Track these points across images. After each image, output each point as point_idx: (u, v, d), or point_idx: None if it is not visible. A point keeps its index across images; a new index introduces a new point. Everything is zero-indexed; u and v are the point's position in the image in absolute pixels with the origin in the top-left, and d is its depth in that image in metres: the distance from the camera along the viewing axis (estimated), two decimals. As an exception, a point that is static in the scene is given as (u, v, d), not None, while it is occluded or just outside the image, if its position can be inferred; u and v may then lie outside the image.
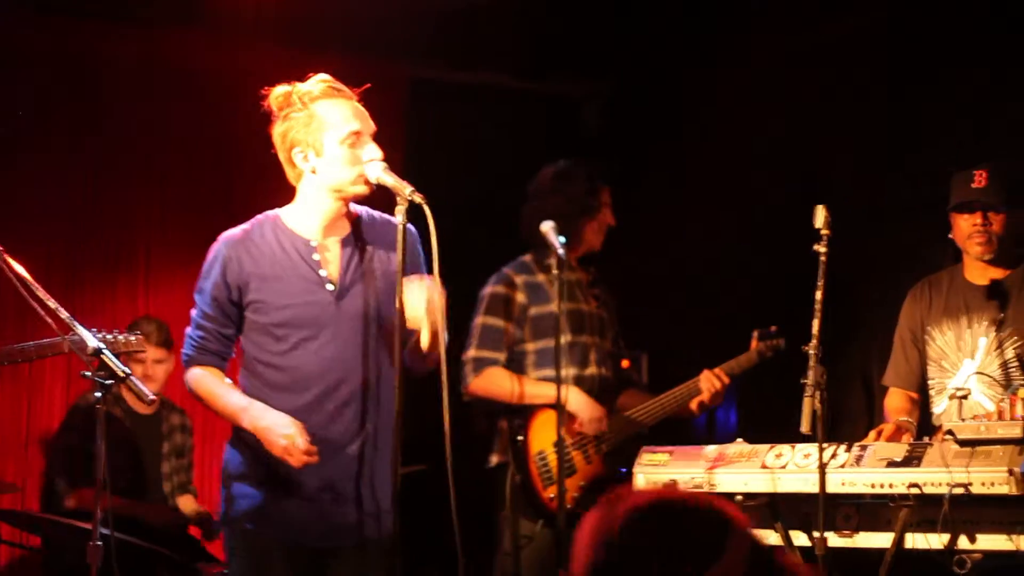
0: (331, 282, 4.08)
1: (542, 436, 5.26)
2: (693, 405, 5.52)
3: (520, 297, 5.42)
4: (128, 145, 7.11)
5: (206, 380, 4.11)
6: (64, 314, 3.89)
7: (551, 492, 5.14)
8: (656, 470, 4.61)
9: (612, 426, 5.40)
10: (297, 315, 4.05)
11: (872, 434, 4.77)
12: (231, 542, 4.12)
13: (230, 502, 4.10)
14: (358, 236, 4.15)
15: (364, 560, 4.05)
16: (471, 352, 5.41)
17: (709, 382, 5.46)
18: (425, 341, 3.90)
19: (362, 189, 4.04)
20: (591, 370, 5.48)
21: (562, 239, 5.13)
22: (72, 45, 6.96)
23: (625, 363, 5.84)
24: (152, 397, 3.86)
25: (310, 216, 4.11)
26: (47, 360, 6.70)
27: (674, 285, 7.28)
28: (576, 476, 5.29)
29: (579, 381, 5.39)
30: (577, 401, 5.30)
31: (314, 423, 3.98)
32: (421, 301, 3.86)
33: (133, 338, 4.62)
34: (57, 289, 3.93)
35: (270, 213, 4.17)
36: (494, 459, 5.40)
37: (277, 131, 4.08)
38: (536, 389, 5.33)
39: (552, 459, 5.18)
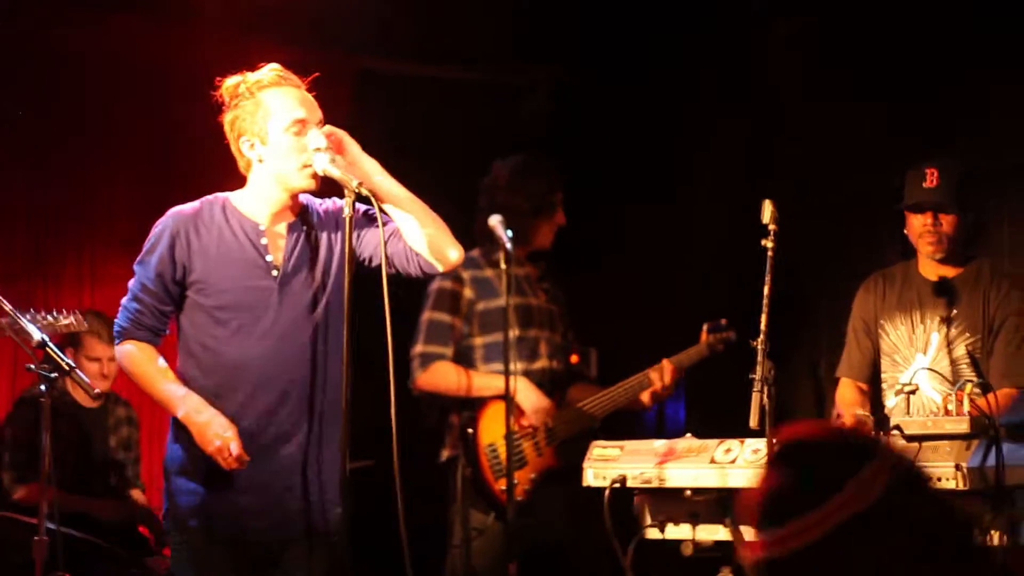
0: (276, 268, 4.05)
1: (492, 428, 5.26)
2: (644, 397, 5.55)
3: (467, 292, 5.43)
4: (78, 135, 7.04)
5: (141, 358, 4.05)
6: (7, 306, 3.86)
7: (502, 484, 5.14)
8: (606, 465, 4.61)
9: (562, 418, 5.42)
10: (240, 299, 4.02)
11: None
12: (175, 538, 4.07)
13: (172, 497, 4.05)
14: (306, 223, 4.13)
15: (312, 553, 4.02)
16: (418, 347, 5.40)
17: (659, 373, 5.48)
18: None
19: (308, 183, 4.01)
20: (541, 363, 5.49)
21: (509, 232, 5.14)
22: (20, 27, 6.89)
23: (574, 358, 5.85)
24: (97, 391, 3.83)
25: (259, 203, 4.09)
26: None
27: (623, 280, 7.28)
28: (527, 468, 5.30)
29: (528, 375, 5.40)
30: (524, 392, 5.31)
31: (255, 411, 3.97)
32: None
33: (72, 319, 4.57)
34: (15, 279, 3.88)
35: (220, 195, 4.14)
36: (445, 453, 5.40)
37: (226, 120, 4.07)
38: (484, 381, 5.34)
39: (503, 451, 5.19)
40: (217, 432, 3.86)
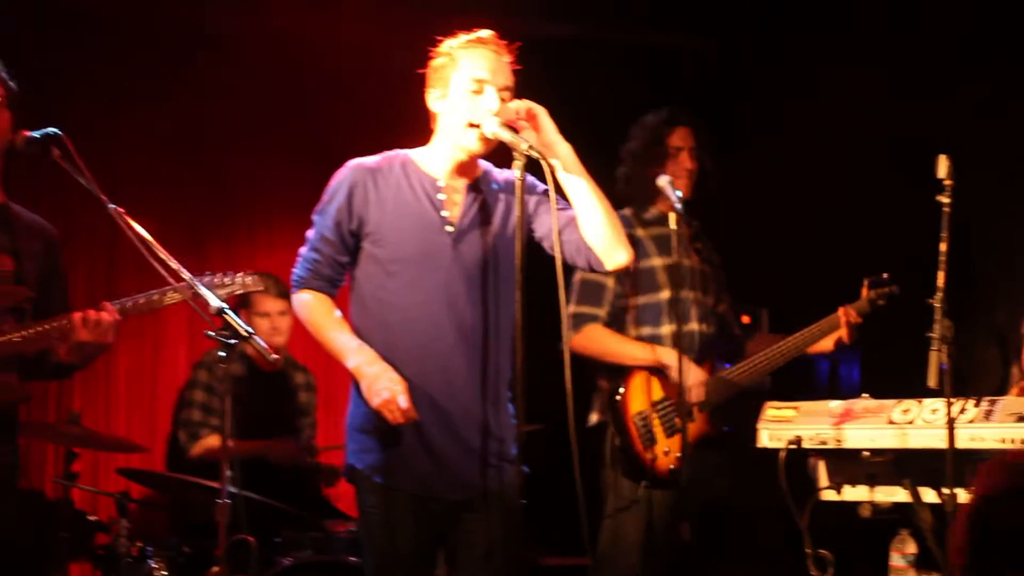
0: (451, 224, 4.08)
1: (640, 397, 5.18)
2: (829, 343, 5.40)
3: None
4: (245, 107, 7.17)
5: (318, 308, 4.10)
6: (186, 275, 3.93)
7: (652, 453, 5.09)
8: (781, 426, 4.56)
9: (714, 385, 5.30)
10: (413, 252, 4.04)
11: (1015, 389, 4.69)
12: (361, 496, 4.10)
13: (357, 456, 4.10)
14: (484, 187, 4.15)
15: (490, 513, 4.04)
16: (571, 307, 5.30)
17: (847, 316, 5.34)
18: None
19: (474, 144, 4.02)
20: (692, 326, 5.34)
21: (679, 193, 5.10)
22: (185, 12, 7.03)
23: (746, 318, 5.77)
24: (275, 356, 3.89)
25: (438, 158, 4.12)
26: (170, 321, 6.84)
27: (789, 240, 7.17)
28: (678, 436, 5.17)
29: (679, 338, 5.24)
30: (673, 365, 5.15)
31: (425, 366, 3.99)
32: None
33: (249, 279, 4.64)
34: (175, 251, 3.95)
35: (401, 151, 4.18)
36: (593, 417, 5.34)
37: (427, 75, 4.12)
38: (634, 350, 5.24)
39: (654, 420, 5.13)
40: (386, 385, 3.88)
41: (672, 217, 5.12)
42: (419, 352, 4.02)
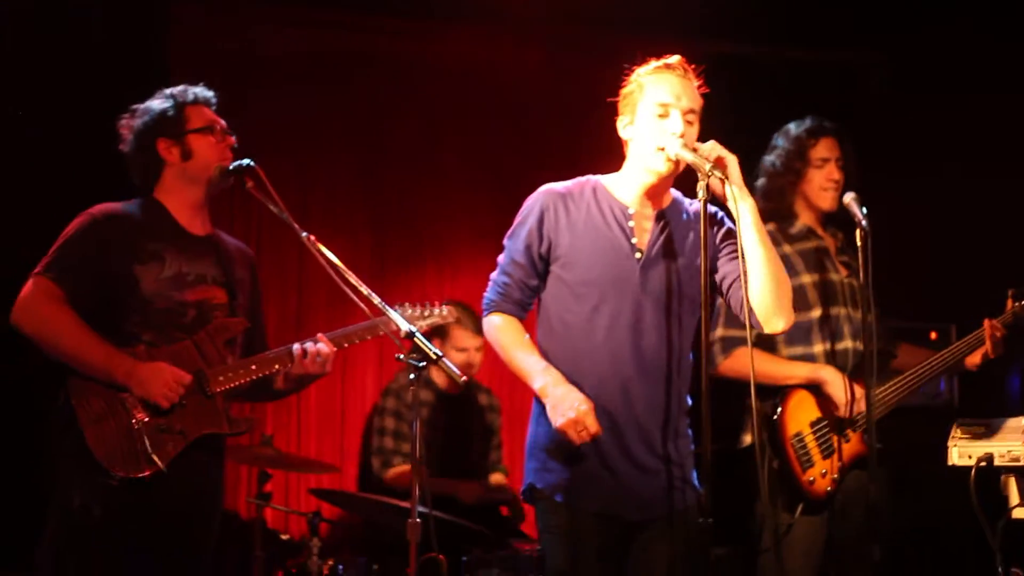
0: (640, 251, 4.11)
1: (798, 417, 5.05)
2: (977, 358, 5.27)
3: None
4: (428, 135, 7.27)
5: (506, 330, 4.17)
6: (377, 299, 4.01)
7: (810, 475, 4.98)
8: (971, 443, 4.48)
9: (870, 405, 5.14)
10: (601, 276, 4.09)
11: None
12: (543, 516, 4.15)
13: (538, 475, 4.14)
14: (673, 215, 4.17)
15: (671, 533, 4.06)
16: (719, 331, 5.18)
17: (992, 329, 5.19)
18: None
19: (662, 166, 4.05)
20: (845, 343, 5.18)
21: (864, 210, 4.99)
22: (367, 44, 7.16)
23: (933, 334, 5.64)
24: (464, 378, 3.94)
25: (629, 185, 4.16)
26: (358, 345, 6.93)
27: (973, 254, 7.03)
28: (833, 457, 5.05)
29: (832, 357, 5.14)
30: (833, 382, 5.05)
31: (610, 389, 4.03)
32: None
33: (447, 310, 4.73)
34: (363, 277, 4.05)
35: (592, 177, 4.23)
36: (747, 439, 5.25)
37: (617, 102, 4.18)
38: (789, 369, 5.11)
39: (810, 441, 5.02)
40: (572, 405, 3.92)
41: (858, 235, 4.99)
42: (601, 374, 4.06)
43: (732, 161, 3.99)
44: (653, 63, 4.14)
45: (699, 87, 4.13)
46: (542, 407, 4.10)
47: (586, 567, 4.06)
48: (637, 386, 4.06)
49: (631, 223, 4.13)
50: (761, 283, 3.99)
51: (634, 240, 4.12)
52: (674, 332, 4.07)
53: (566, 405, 3.93)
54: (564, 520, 4.09)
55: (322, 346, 4.33)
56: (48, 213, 4.55)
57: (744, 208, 3.94)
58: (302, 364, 4.30)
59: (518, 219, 4.21)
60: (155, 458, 4.06)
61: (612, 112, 4.20)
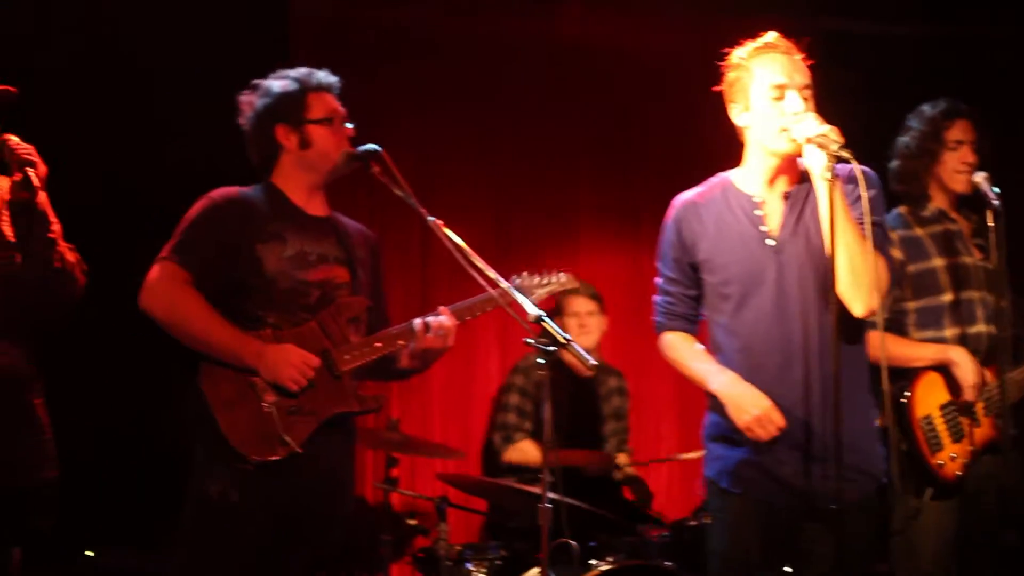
0: (771, 237, 4.07)
1: (927, 400, 4.95)
2: None
3: (896, 253, 5.02)
4: (552, 112, 7.27)
5: (678, 344, 4.23)
6: (504, 283, 4.00)
7: (939, 459, 4.87)
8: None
9: (1004, 388, 5.03)
10: (739, 271, 4.07)
11: None
12: (710, 500, 4.20)
13: (708, 463, 4.18)
14: (803, 192, 4.11)
15: (834, 524, 3.94)
16: None
17: None
18: None
19: (787, 147, 4.00)
20: (977, 328, 5.05)
21: (996, 189, 4.88)
22: (480, 27, 7.16)
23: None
24: (594, 362, 3.90)
25: (752, 173, 4.13)
26: (482, 331, 6.96)
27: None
28: (964, 441, 4.94)
29: (964, 341, 5.01)
30: (961, 364, 4.94)
31: (765, 381, 3.99)
32: None
33: (564, 277, 4.71)
34: (485, 256, 4.04)
35: (722, 175, 4.22)
36: (876, 422, 5.16)
37: (724, 89, 4.14)
38: (918, 351, 5.01)
39: (939, 424, 4.92)
40: (753, 402, 3.94)
41: (990, 215, 4.88)
42: (752, 369, 4.04)
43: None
44: (751, 44, 4.08)
45: (804, 60, 4.07)
46: (715, 402, 4.12)
47: (750, 554, 4.05)
48: (789, 374, 4.02)
49: (758, 211, 4.10)
50: (843, 263, 3.89)
51: (763, 228, 4.08)
52: (820, 311, 4.00)
53: (747, 403, 3.96)
54: (729, 507, 4.09)
55: (444, 319, 4.32)
56: (171, 188, 4.61)
57: (838, 192, 3.87)
58: (424, 338, 4.29)
59: (663, 237, 4.25)
60: (288, 440, 4.09)
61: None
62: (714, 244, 4.11)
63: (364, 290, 4.39)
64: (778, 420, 3.92)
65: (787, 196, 4.10)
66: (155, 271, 4.19)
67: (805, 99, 4.00)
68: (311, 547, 4.26)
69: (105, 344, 5.39)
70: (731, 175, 4.19)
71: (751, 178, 4.13)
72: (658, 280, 4.27)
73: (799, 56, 4.06)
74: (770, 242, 4.07)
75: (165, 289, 4.16)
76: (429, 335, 4.29)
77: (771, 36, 4.08)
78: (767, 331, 4.03)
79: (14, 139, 4.25)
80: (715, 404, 4.12)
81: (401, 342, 4.31)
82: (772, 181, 4.11)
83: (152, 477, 4.64)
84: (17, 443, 4.26)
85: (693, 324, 4.24)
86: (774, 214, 4.10)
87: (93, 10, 6.16)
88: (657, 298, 4.27)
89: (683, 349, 4.22)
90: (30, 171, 4.21)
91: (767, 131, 4.03)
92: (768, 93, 4.02)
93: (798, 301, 4.03)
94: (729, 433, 4.06)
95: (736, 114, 4.11)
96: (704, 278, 4.16)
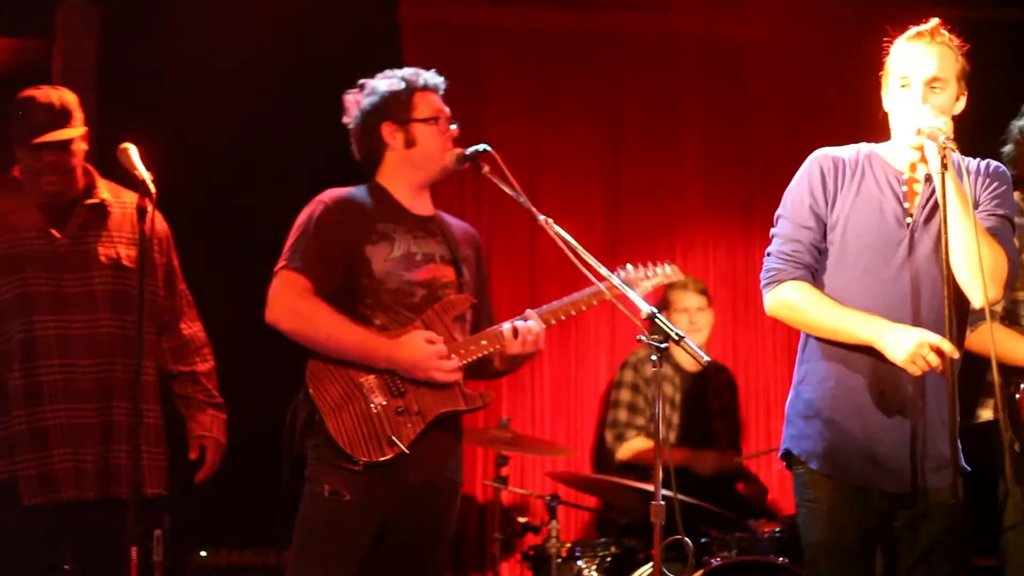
0: (910, 216, 4.01)
1: None
2: None
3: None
4: (665, 110, 7.22)
5: (805, 293, 3.99)
6: (615, 279, 3.99)
7: None
8: None
9: None
10: (870, 243, 3.98)
11: None
12: (799, 487, 4.08)
13: (795, 441, 4.07)
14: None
15: (927, 513, 3.95)
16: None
17: None
18: None
19: (912, 138, 3.94)
20: None
21: None
22: (591, 20, 7.15)
23: None
24: (707, 358, 3.88)
25: (899, 152, 4.05)
26: (591, 329, 6.94)
27: None
28: None
29: None
30: None
31: (870, 358, 3.91)
32: None
33: (670, 268, 4.68)
34: (594, 253, 4.02)
35: (865, 144, 4.15)
36: (985, 414, 5.03)
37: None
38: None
39: None
40: (911, 336, 3.80)
41: None
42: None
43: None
44: (905, 34, 4.04)
45: (953, 51, 4.00)
46: (803, 373, 4.06)
47: (844, 538, 3.98)
48: None
49: (903, 188, 4.04)
50: (959, 254, 3.81)
51: (906, 205, 4.02)
52: (938, 300, 3.91)
53: (905, 338, 3.80)
54: (821, 491, 4.01)
55: (532, 324, 4.32)
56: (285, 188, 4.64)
57: (950, 183, 3.79)
58: (512, 343, 4.29)
59: (795, 185, 4.11)
60: (396, 440, 4.11)
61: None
62: (852, 206, 4.02)
63: (469, 289, 4.41)
64: (934, 360, 3.77)
65: (929, 179, 4.02)
66: (276, 284, 4.25)
67: (933, 89, 3.95)
68: (421, 543, 4.29)
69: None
70: (877, 147, 4.13)
71: (898, 155, 4.06)
72: (781, 230, 4.09)
73: (942, 48, 3.99)
74: (908, 220, 4.00)
75: (289, 301, 4.21)
76: (517, 341, 4.29)
77: (928, 24, 4.02)
78: (884, 307, 3.93)
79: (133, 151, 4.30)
80: (804, 379, 4.05)
81: (500, 344, 4.31)
82: (916, 163, 4.04)
83: (265, 480, 4.68)
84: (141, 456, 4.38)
85: (815, 279, 4.05)
86: (916, 193, 4.04)
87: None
88: (777, 246, 4.07)
89: (814, 298, 3.99)
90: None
91: (897, 119, 4.02)
92: (897, 83, 4.00)
93: (919, 285, 3.96)
94: (818, 410, 3.99)
95: (884, 101, 4.07)
96: (829, 237, 4.05)
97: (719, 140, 7.23)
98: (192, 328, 4.83)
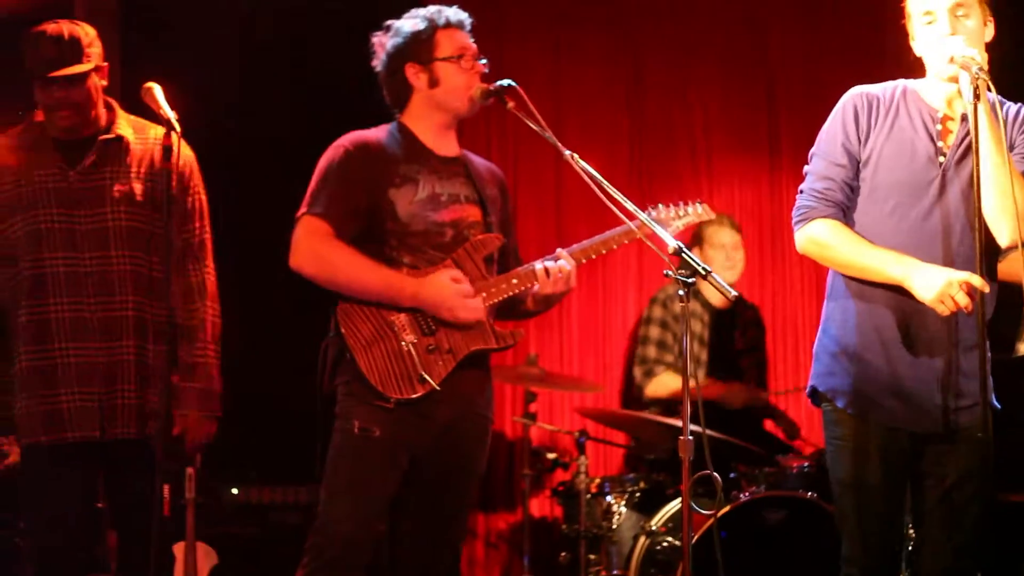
0: (943, 154, 3.98)
1: None
2: None
3: None
4: (689, 43, 7.20)
5: (837, 231, 3.98)
6: (642, 214, 3.97)
7: None
8: None
9: None
10: (902, 180, 3.96)
11: None
12: (827, 424, 4.09)
13: (822, 379, 4.08)
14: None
15: (953, 449, 3.95)
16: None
17: None
18: None
19: (944, 70, 3.91)
20: None
21: None
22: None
23: None
24: (735, 294, 3.85)
25: (936, 90, 4.02)
26: (619, 265, 6.93)
27: None
28: None
29: None
30: None
31: (899, 295, 3.89)
32: None
33: (701, 208, 4.65)
34: (620, 189, 3.99)
35: (902, 81, 4.11)
36: (1022, 348, 5.02)
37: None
38: None
39: None
40: (941, 275, 3.77)
41: None
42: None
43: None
44: None
45: None
46: (830, 311, 4.06)
47: (872, 477, 3.98)
48: None
49: (938, 127, 4.00)
50: (985, 193, 3.77)
51: (939, 144, 3.98)
52: (969, 240, 3.89)
53: (935, 278, 3.78)
54: (847, 429, 4.01)
55: (563, 263, 4.30)
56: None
57: (982, 112, 3.75)
58: (545, 283, 4.28)
59: (829, 123, 4.09)
60: (427, 377, 4.12)
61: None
62: (885, 144, 4.00)
63: (496, 228, 4.40)
64: (962, 300, 3.74)
65: (965, 118, 3.96)
66: (298, 230, 4.24)
67: (958, 17, 3.91)
68: (452, 480, 4.31)
69: (243, 290, 5.43)
70: (912, 83, 4.09)
71: (934, 93, 4.03)
72: (814, 167, 4.08)
73: None
74: (941, 159, 3.97)
75: (311, 246, 4.20)
76: (549, 280, 4.28)
77: None
78: (913, 246, 3.91)
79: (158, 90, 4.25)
80: (832, 315, 4.05)
81: (532, 283, 4.30)
82: (954, 100, 4.00)
83: (297, 417, 4.69)
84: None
85: (847, 217, 4.03)
86: (950, 132, 4.00)
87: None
88: (810, 184, 4.06)
89: (845, 236, 3.97)
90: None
91: (931, 58, 3.96)
92: (921, 20, 3.95)
93: (950, 224, 3.93)
94: (846, 348, 3.99)
95: (913, 45, 4.03)
96: (861, 174, 4.03)
97: (741, 76, 7.19)
98: (197, 275, 4.59)
